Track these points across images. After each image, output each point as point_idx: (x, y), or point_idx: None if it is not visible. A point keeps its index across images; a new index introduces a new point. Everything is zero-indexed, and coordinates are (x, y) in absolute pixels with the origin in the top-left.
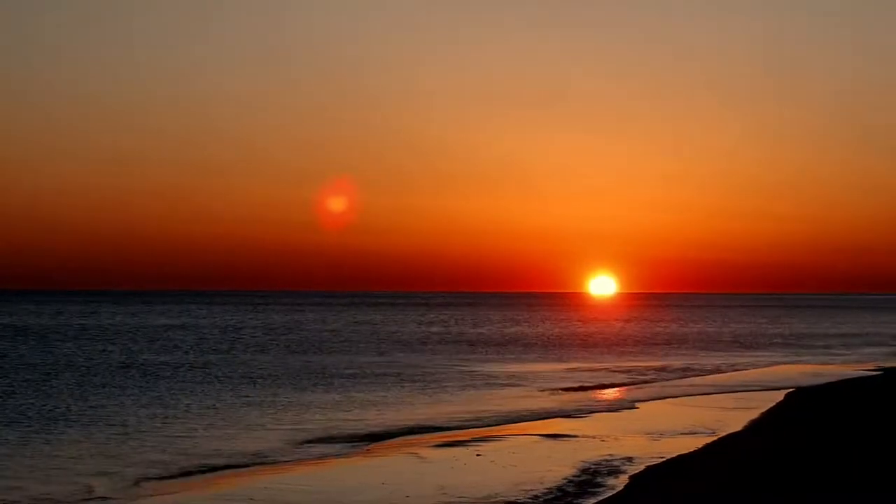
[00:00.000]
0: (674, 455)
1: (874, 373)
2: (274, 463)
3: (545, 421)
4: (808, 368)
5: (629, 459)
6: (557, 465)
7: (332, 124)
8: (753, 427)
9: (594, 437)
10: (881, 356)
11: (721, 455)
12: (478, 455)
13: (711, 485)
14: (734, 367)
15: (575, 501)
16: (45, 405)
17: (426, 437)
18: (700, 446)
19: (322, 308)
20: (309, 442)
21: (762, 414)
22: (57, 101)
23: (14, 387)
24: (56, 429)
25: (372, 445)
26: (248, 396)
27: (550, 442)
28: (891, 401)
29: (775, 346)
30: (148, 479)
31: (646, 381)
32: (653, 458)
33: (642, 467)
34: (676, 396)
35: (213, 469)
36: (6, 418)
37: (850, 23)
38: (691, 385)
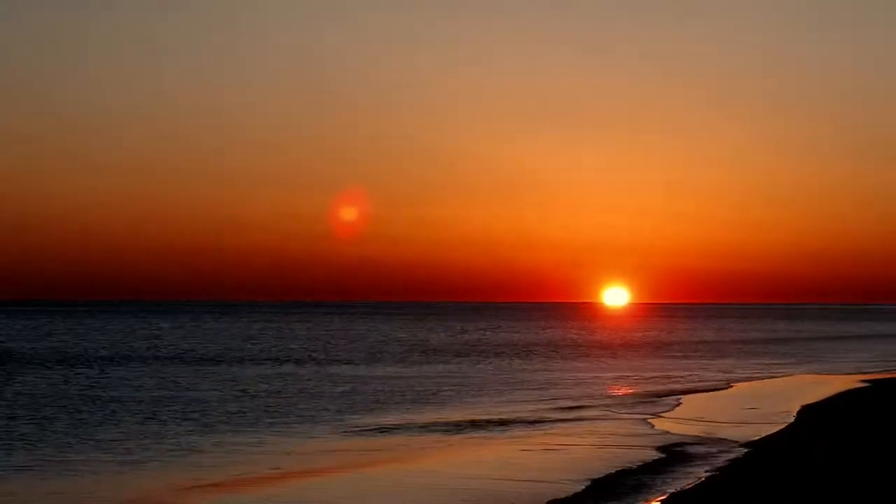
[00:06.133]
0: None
1: (864, 385)
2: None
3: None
4: (811, 379)
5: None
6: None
7: (348, 134)
8: (764, 439)
9: (603, 447)
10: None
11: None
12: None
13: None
14: (739, 378)
15: None
16: None
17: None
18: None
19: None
20: None
21: (771, 428)
22: (81, 112)
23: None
24: None
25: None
26: None
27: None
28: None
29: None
30: None
31: (654, 392)
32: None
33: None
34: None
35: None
36: None
37: (851, 32)
38: (697, 396)
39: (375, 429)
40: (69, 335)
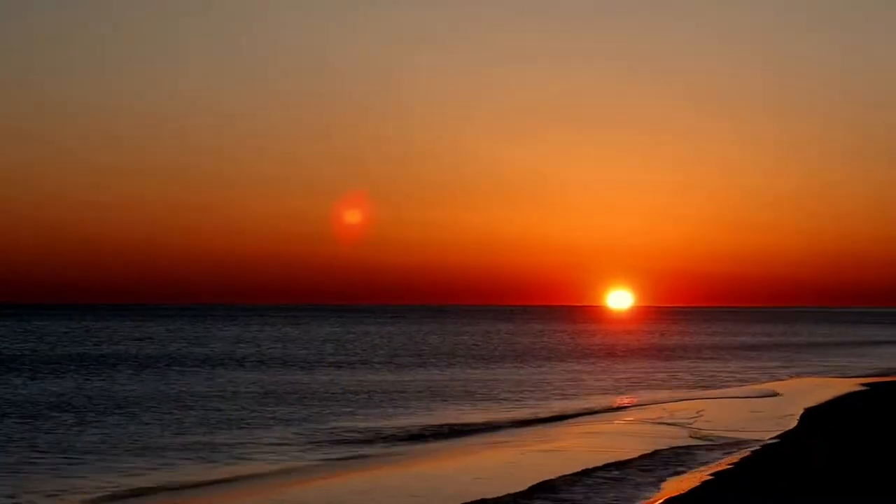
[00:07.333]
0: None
1: (864, 388)
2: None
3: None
4: (816, 381)
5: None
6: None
7: (350, 136)
8: (766, 442)
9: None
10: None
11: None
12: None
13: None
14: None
15: None
16: None
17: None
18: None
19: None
20: None
21: (773, 431)
22: (81, 112)
23: None
24: None
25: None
26: None
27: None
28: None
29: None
30: None
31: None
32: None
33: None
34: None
35: None
36: None
37: (851, 32)
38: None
39: (368, 432)
40: (64, 337)
